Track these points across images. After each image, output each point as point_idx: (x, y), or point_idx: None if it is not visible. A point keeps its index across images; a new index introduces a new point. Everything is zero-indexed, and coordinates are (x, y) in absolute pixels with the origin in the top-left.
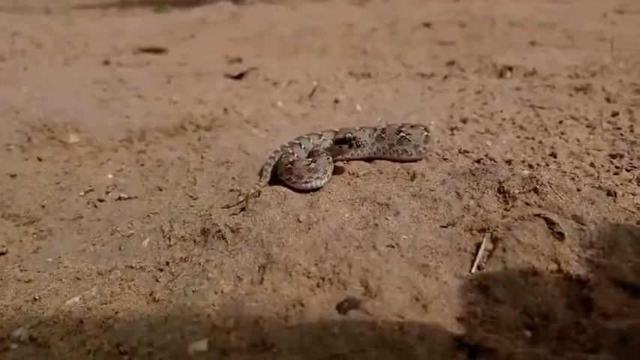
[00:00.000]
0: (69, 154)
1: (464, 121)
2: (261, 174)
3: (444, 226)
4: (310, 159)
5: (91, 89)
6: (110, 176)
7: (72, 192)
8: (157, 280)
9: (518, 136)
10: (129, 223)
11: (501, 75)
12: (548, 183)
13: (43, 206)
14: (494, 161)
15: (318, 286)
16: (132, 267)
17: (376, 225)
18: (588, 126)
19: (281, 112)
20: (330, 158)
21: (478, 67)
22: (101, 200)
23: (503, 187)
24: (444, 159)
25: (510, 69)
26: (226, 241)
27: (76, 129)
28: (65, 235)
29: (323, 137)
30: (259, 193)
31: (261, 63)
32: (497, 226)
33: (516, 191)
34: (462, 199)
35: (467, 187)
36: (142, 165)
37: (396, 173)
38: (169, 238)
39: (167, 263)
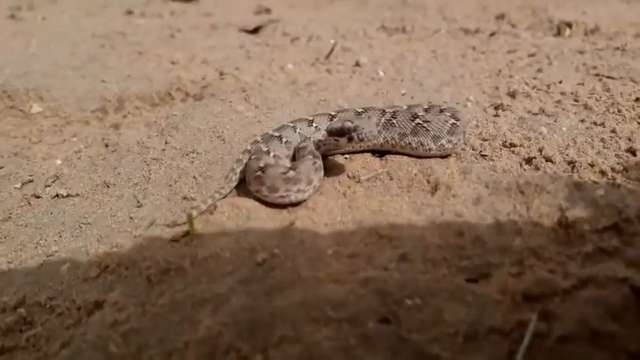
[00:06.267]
0: (30, 127)
1: (512, 95)
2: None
3: (472, 280)
4: (290, 165)
5: (89, 44)
6: (58, 162)
7: (10, 182)
8: None
9: (583, 120)
10: (57, 234)
11: (559, 32)
12: (637, 217)
13: None
14: (552, 162)
15: None
16: (41, 305)
17: (365, 279)
18: None
19: (287, 77)
20: (318, 162)
21: (532, 23)
22: (37, 196)
23: (566, 217)
24: (482, 155)
25: (569, 25)
26: (152, 287)
27: (40, 96)
28: None
29: (315, 125)
30: (215, 207)
31: (287, 15)
32: (555, 293)
33: (586, 227)
34: (504, 234)
35: (511, 212)
36: (106, 146)
37: (412, 181)
38: (91, 267)
39: (79, 308)
